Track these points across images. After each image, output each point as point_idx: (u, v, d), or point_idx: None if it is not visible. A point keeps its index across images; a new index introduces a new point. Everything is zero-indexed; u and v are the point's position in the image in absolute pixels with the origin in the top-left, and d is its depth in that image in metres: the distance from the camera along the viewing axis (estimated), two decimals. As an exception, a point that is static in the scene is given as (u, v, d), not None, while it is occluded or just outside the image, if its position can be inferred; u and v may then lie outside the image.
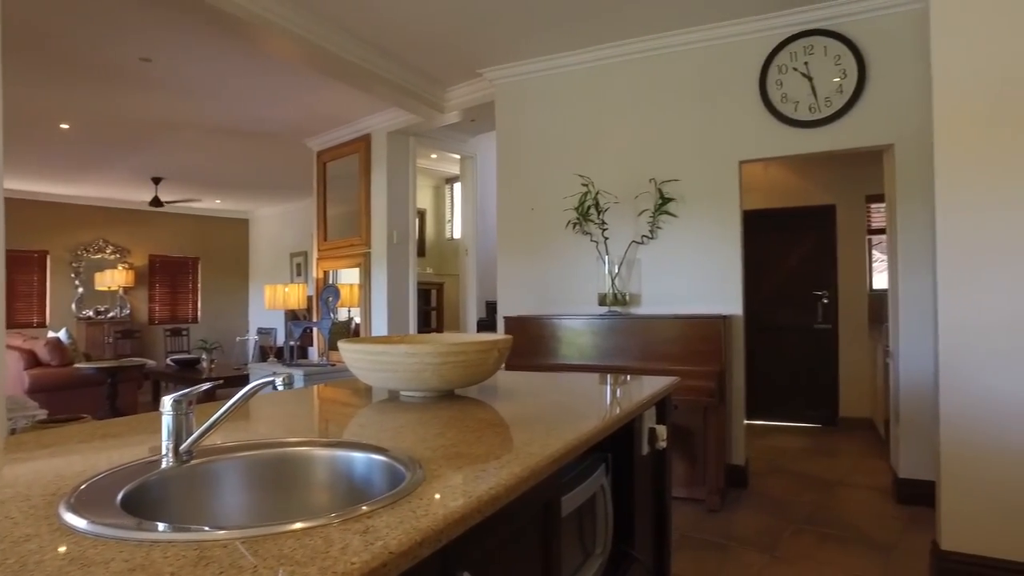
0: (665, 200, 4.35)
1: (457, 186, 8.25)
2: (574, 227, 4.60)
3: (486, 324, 6.90)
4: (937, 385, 2.93)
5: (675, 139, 4.44)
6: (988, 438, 2.77)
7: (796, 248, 6.31)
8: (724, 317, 3.99)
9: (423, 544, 0.78)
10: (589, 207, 4.40)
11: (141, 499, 0.98)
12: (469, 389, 2.01)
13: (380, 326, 6.28)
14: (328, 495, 1.20)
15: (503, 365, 1.95)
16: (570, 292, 4.73)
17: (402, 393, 1.88)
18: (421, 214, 9.06)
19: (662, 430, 2.01)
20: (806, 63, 4.11)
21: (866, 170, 5.96)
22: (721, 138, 4.32)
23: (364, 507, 0.86)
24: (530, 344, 4.50)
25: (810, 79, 4.10)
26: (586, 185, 4.42)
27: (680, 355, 4.03)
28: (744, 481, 4.29)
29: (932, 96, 2.88)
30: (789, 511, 3.88)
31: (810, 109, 4.10)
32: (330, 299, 6.33)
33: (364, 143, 6.39)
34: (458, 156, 7.03)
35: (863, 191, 6.05)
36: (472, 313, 6.79)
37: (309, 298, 7.82)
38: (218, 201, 10.88)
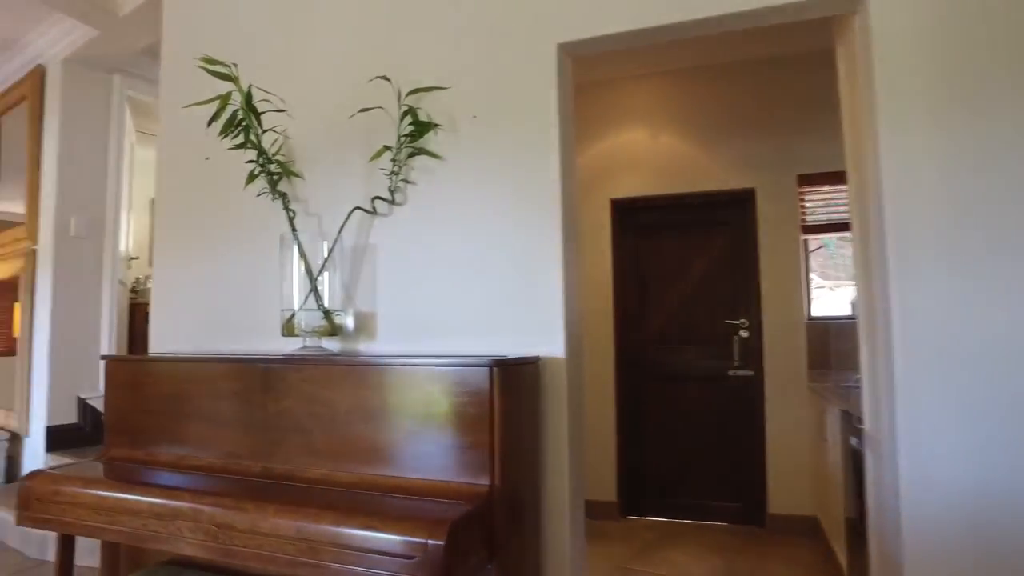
0: (420, 127, 2.16)
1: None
2: (261, 186, 2.35)
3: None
4: None
5: (434, 9, 2.28)
6: None
7: (700, 256, 4.22)
8: (500, 364, 1.76)
9: None
10: (242, 122, 2.13)
11: None
12: None
13: (41, 360, 3.87)
14: None
15: None
16: (259, 311, 2.47)
17: None
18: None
19: None
20: None
21: (798, 138, 3.98)
22: (523, 3, 2.18)
23: None
24: (151, 414, 2.19)
25: None
26: (228, 76, 2.13)
27: (407, 452, 1.79)
28: None
29: None
30: None
31: (694, -64, 2.00)
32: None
33: (34, 80, 4.04)
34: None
35: (794, 169, 4.03)
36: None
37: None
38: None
